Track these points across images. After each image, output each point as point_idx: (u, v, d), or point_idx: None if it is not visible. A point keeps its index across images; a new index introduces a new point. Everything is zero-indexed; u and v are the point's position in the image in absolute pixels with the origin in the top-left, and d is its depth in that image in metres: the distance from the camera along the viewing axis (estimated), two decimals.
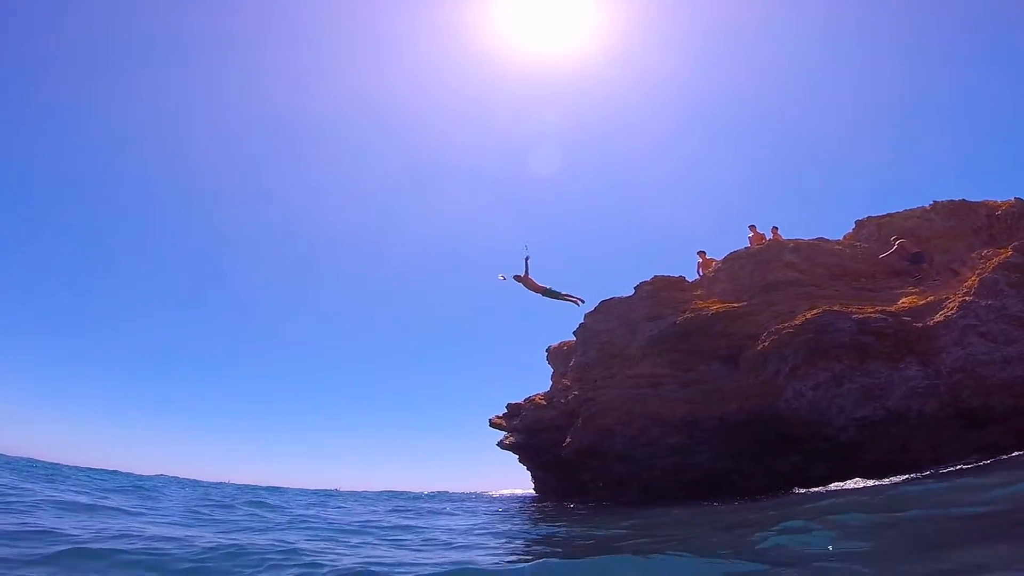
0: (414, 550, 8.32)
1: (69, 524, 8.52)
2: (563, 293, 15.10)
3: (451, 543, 9.05)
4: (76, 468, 42.14)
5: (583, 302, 15.63)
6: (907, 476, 12.26)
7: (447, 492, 42.58)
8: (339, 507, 17.98)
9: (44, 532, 7.52)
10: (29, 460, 44.41)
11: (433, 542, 9.14)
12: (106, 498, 15.02)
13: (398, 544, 9.12)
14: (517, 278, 14.50)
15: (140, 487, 21.35)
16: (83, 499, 13.45)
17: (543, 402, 20.19)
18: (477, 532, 10.86)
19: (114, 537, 7.68)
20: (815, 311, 15.20)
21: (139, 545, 6.93)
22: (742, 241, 19.19)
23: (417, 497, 32.40)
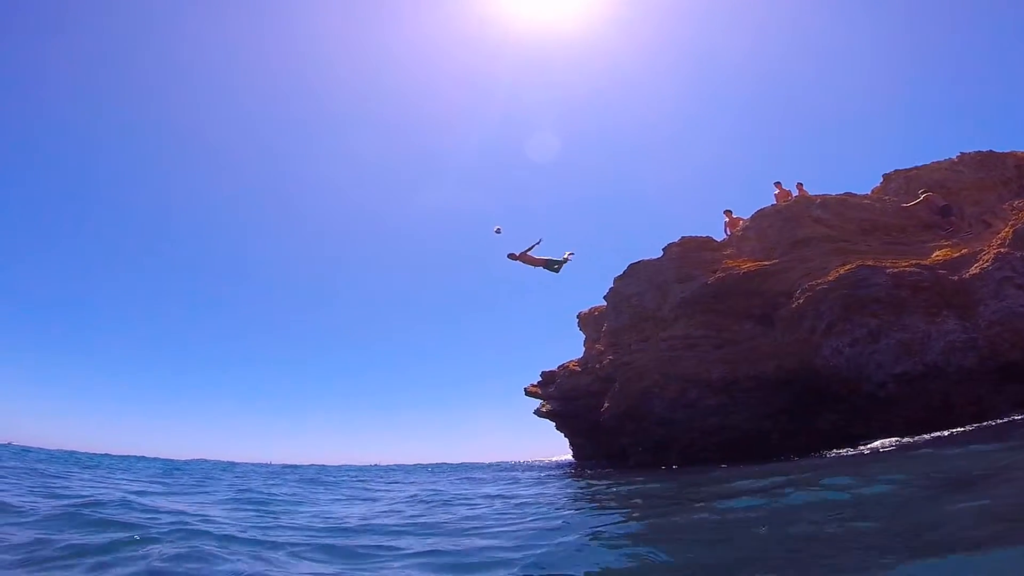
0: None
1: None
2: (560, 260, 14.13)
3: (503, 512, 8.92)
4: (113, 456, 42.43)
5: (573, 254, 14.69)
6: (947, 432, 12.26)
7: (481, 463, 42.82)
8: (392, 480, 17.90)
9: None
10: (70, 452, 44.72)
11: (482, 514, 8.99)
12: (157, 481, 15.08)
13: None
14: (512, 256, 13.65)
15: (183, 471, 21.49)
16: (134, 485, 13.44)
17: (577, 368, 20.14)
18: (518, 501, 10.73)
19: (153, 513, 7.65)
20: (848, 266, 15.05)
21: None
22: (761, 201, 18.88)
23: (455, 468, 32.67)
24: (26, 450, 38.21)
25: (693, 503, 7.80)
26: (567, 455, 26.16)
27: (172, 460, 47.00)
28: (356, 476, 21.98)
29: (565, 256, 14.17)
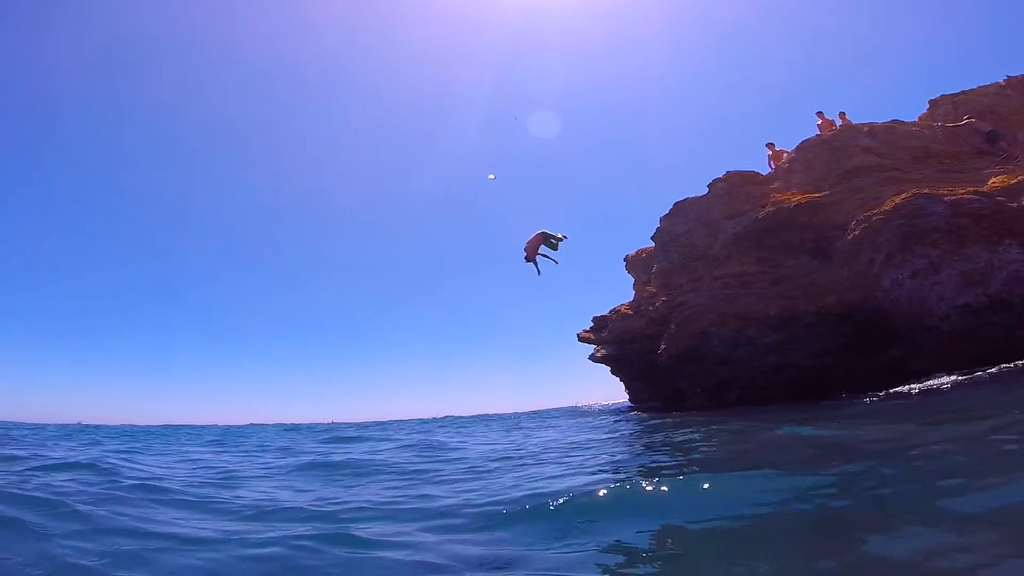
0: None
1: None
2: (556, 235, 13.36)
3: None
4: (170, 426, 42.04)
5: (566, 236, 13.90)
6: (1011, 365, 12.03)
7: (540, 411, 42.84)
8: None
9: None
10: (129, 426, 44.35)
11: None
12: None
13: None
14: (528, 258, 12.99)
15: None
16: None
17: (629, 312, 19.70)
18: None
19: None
20: (904, 195, 14.55)
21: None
22: (793, 134, 18.11)
23: (515, 417, 32.56)
24: (96, 427, 37.59)
25: None
26: (616, 399, 26.11)
27: (231, 425, 47.03)
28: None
29: (559, 235, 13.38)
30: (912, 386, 12.64)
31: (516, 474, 6.85)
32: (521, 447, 10.82)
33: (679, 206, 17.51)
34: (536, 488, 5.46)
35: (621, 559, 3.24)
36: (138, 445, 16.35)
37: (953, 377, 12.42)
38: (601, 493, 4.45)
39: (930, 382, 12.63)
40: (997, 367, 12.06)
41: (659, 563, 3.13)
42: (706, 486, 4.36)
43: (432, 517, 4.57)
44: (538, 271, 13.10)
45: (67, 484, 6.02)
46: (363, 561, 3.42)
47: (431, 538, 3.95)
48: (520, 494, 5.19)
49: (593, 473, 6.39)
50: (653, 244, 18.89)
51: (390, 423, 40.00)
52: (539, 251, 13.11)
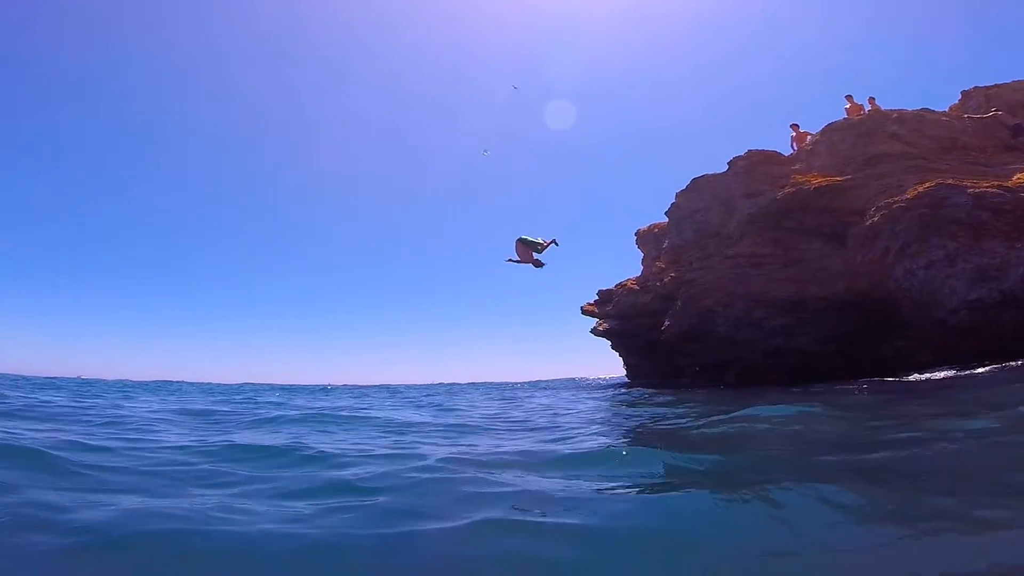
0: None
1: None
2: (540, 242, 12.15)
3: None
4: (166, 381, 43.02)
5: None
6: (1014, 363, 11.91)
7: (537, 381, 43.60)
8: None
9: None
10: (127, 380, 45.48)
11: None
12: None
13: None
14: (536, 265, 12.01)
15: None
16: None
17: (636, 287, 19.61)
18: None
19: None
20: (928, 184, 14.31)
21: None
22: (816, 119, 17.68)
23: (512, 386, 33.15)
24: (94, 381, 38.70)
25: None
26: (614, 374, 26.17)
27: (227, 384, 48.32)
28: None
29: (540, 240, 12.12)
30: (912, 377, 12.57)
31: (500, 435, 7.17)
32: (510, 413, 11.08)
33: (696, 182, 17.30)
34: (511, 448, 5.74)
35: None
36: (133, 395, 17.00)
37: (951, 372, 12.33)
38: (571, 456, 4.95)
39: (927, 375, 12.56)
40: (998, 364, 11.97)
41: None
42: (652, 461, 4.60)
43: (411, 460, 4.77)
44: (509, 260, 12.29)
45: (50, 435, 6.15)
46: (340, 509, 3.37)
47: (407, 481, 4.06)
48: (493, 450, 5.50)
49: (573, 440, 6.60)
50: (666, 220, 18.78)
51: (386, 387, 40.68)
52: (532, 255, 12.34)
